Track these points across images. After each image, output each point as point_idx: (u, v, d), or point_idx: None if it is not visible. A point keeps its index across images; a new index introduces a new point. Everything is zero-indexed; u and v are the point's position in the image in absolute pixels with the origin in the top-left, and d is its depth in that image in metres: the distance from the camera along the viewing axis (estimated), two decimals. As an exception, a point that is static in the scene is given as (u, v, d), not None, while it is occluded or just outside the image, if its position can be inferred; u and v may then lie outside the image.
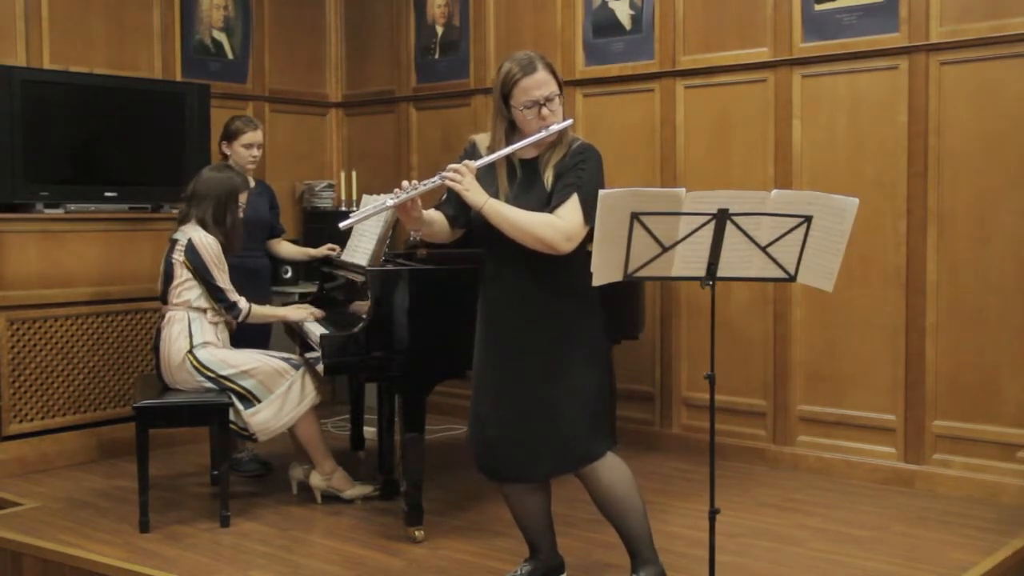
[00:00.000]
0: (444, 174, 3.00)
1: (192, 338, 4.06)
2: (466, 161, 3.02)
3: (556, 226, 2.95)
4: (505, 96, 3.02)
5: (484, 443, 3.15)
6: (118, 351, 5.12)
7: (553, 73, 3.01)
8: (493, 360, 3.14)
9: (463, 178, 2.98)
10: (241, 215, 4.27)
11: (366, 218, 3.16)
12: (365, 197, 4.59)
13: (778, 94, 4.79)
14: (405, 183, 2.99)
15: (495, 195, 3.03)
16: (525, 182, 3.06)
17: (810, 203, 2.73)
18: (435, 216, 3.14)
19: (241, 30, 6.04)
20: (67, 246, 4.95)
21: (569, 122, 3.03)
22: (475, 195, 2.98)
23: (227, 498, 3.99)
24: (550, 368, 3.06)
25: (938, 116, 4.38)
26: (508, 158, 3.07)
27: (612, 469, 3.14)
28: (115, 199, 5.14)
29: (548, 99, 2.98)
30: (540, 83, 2.97)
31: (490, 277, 3.15)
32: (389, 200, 2.98)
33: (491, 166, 3.07)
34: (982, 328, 4.31)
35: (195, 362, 4.04)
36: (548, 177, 3.03)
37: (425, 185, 2.99)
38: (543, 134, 2.99)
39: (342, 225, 3.13)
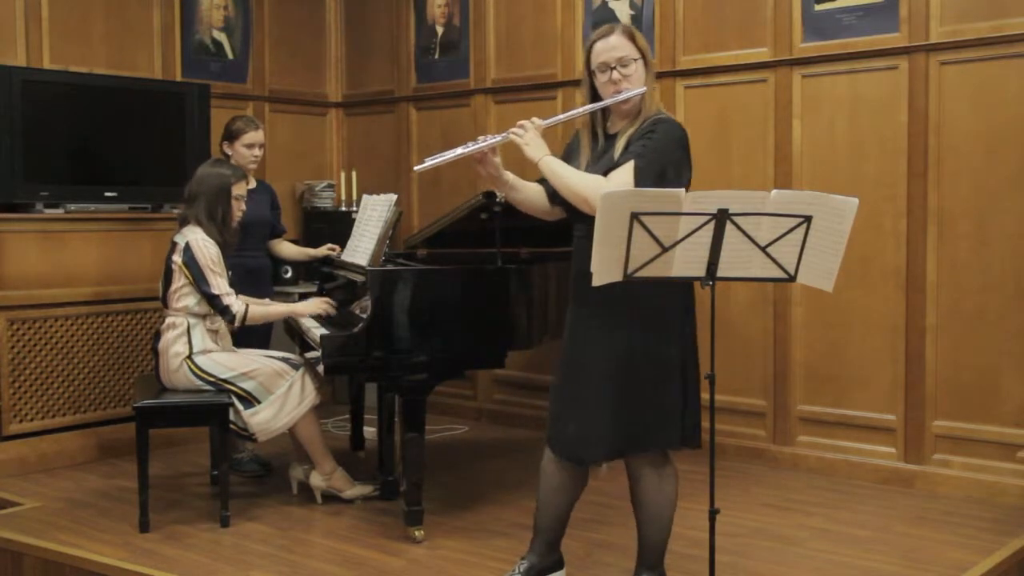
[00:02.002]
0: (512, 129, 3.08)
1: (191, 345, 4.05)
2: (533, 118, 3.10)
3: (599, 186, 2.93)
4: (588, 63, 3.09)
5: (550, 414, 3.19)
6: (118, 351, 5.12)
7: (632, 40, 3.04)
8: (569, 333, 3.15)
9: (525, 133, 3.06)
10: (244, 207, 4.25)
11: (441, 163, 3.17)
12: (365, 197, 4.58)
13: (778, 94, 4.79)
14: (481, 137, 3.09)
15: (577, 164, 3.08)
16: (603, 152, 3.10)
17: (810, 203, 2.72)
18: (528, 186, 3.20)
19: (241, 30, 6.04)
20: (67, 246, 4.95)
21: (640, 90, 3.04)
22: (533, 150, 3.05)
23: (227, 498, 3.99)
24: (613, 354, 3.03)
25: (938, 116, 4.38)
26: (594, 128, 3.14)
27: (656, 472, 3.11)
28: (115, 199, 5.14)
29: (621, 63, 3.02)
30: (612, 47, 3.03)
31: (578, 251, 3.15)
32: (459, 149, 3.08)
33: (578, 136, 3.16)
34: (982, 328, 4.31)
35: (194, 368, 4.03)
36: (619, 147, 3.05)
37: (494, 139, 3.07)
38: (612, 100, 3.04)
39: (417, 168, 3.24)
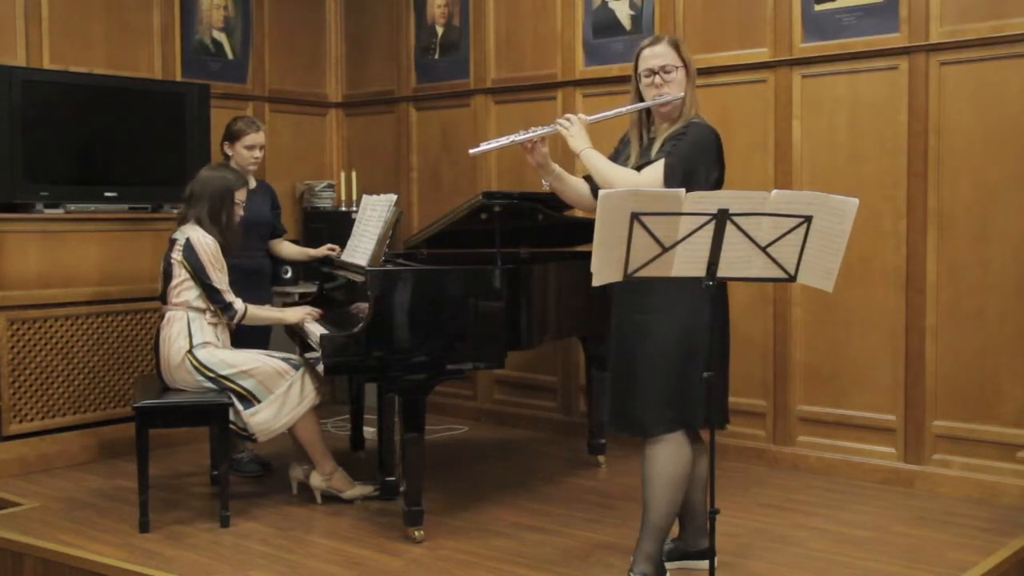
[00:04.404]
0: (559, 120, 3.33)
1: (192, 338, 4.06)
2: (580, 113, 3.33)
3: (627, 180, 3.16)
4: (636, 67, 3.33)
5: None
6: (118, 351, 5.12)
7: (677, 50, 3.29)
8: None
9: (572, 126, 3.30)
10: (241, 212, 4.27)
11: (493, 148, 3.44)
12: (365, 197, 4.58)
13: (778, 94, 4.79)
14: (531, 128, 3.31)
15: (626, 160, 3.32)
16: (647, 151, 3.30)
17: (810, 203, 2.73)
18: (573, 178, 3.42)
19: (241, 30, 6.04)
20: (67, 246, 4.95)
21: (678, 95, 3.27)
22: (577, 141, 3.29)
23: (227, 498, 3.99)
24: (620, 338, 3.29)
25: (938, 116, 4.38)
26: (640, 131, 3.36)
27: (659, 456, 3.23)
28: (115, 199, 5.14)
29: (663, 69, 3.25)
30: (657, 54, 3.28)
31: None
32: (511, 136, 3.31)
33: (628, 136, 3.40)
34: (982, 328, 4.31)
35: (195, 362, 4.04)
36: (656, 147, 3.26)
37: (543, 130, 3.31)
38: (651, 102, 3.28)
39: (472, 151, 3.44)
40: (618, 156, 3.41)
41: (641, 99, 3.33)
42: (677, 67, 3.27)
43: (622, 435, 3.43)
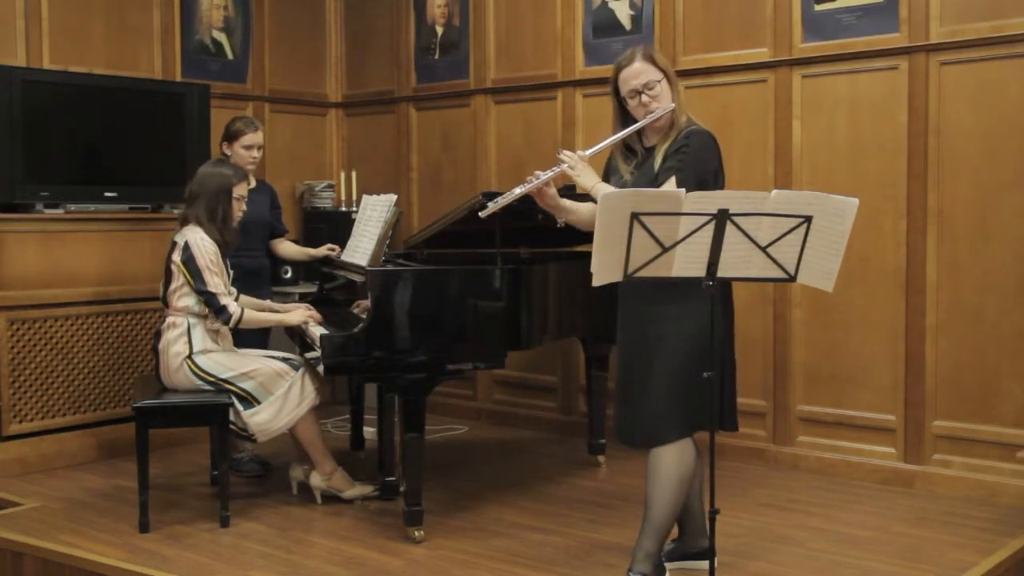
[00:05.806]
0: (560, 157, 3.30)
1: (191, 345, 4.05)
2: (578, 151, 3.31)
3: None
4: (617, 90, 3.30)
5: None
6: (118, 351, 5.12)
7: (653, 62, 3.25)
8: None
9: (577, 164, 3.27)
10: (244, 208, 4.25)
11: (504, 204, 3.36)
12: (365, 197, 4.59)
13: (778, 94, 4.79)
14: (537, 173, 3.28)
15: (620, 179, 3.30)
16: (643, 166, 3.29)
17: (810, 203, 2.73)
18: (581, 207, 3.39)
19: (241, 30, 6.04)
20: (67, 246, 4.95)
21: (669, 107, 3.23)
22: (585, 179, 3.26)
23: (227, 498, 3.99)
24: (631, 348, 3.31)
25: (938, 116, 4.38)
26: (629, 145, 3.34)
27: (664, 456, 3.23)
28: (115, 199, 5.14)
29: (647, 87, 3.22)
30: (636, 73, 3.23)
31: None
32: (517, 189, 3.28)
33: (613, 157, 3.38)
34: (982, 328, 4.31)
35: (193, 368, 4.03)
36: (657, 161, 3.24)
37: (548, 174, 3.27)
38: (644, 121, 3.24)
39: (482, 214, 3.39)
40: (611, 175, 3.38)
41: (625, 117, 3.30)
42: (658, 80, 3.23)
43: (632, 448, 3.41)
